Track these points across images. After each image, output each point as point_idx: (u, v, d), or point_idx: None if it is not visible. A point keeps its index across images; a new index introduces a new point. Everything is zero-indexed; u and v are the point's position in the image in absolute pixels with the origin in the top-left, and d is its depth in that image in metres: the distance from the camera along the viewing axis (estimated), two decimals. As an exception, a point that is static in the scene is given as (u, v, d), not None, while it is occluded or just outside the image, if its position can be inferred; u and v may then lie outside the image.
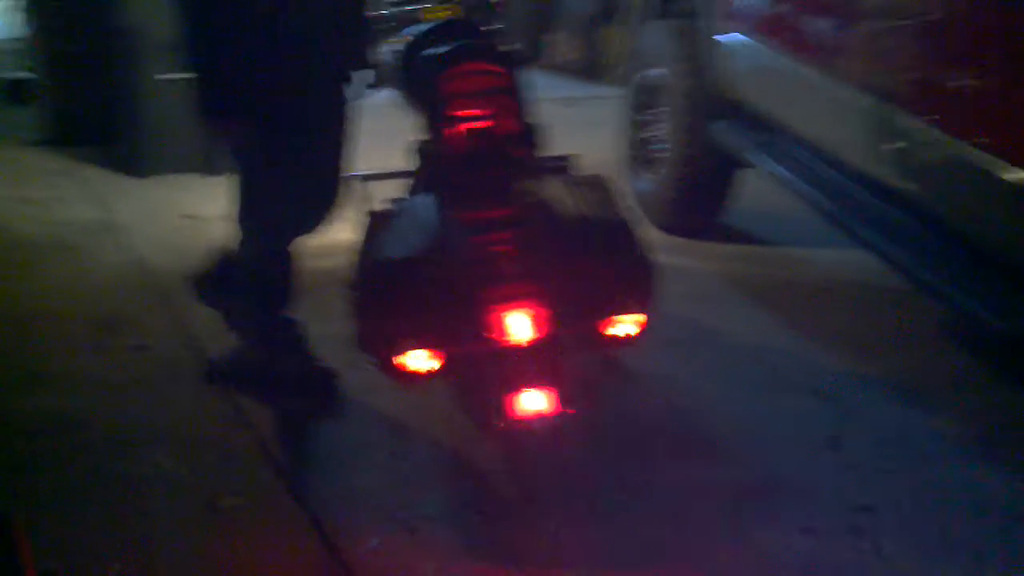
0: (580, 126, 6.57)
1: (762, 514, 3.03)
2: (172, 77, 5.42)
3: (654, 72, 5.34)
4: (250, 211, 3.48)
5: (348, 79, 3.50)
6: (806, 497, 3.12)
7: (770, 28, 4.66)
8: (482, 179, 2.99)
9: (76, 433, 3.33)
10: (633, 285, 3.09)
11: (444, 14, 3.53)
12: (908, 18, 3.65)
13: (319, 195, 3.53)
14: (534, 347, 2.85)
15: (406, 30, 3.50)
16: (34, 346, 3.90)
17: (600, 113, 6.88)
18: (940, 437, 3.46)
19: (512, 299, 2.86)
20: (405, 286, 2.97)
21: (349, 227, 3.39)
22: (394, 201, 3.46)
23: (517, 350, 2.85)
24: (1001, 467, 3.28)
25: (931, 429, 3.51)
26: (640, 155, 5.47)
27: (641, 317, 3.06)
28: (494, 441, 3.03)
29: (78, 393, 3.57)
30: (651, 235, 4.57)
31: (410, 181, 3.55)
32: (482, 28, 3.48)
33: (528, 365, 2.85)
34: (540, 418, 2.82)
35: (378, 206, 3.36)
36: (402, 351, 2.92)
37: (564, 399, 2.84)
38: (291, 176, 3.39)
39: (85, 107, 6.19)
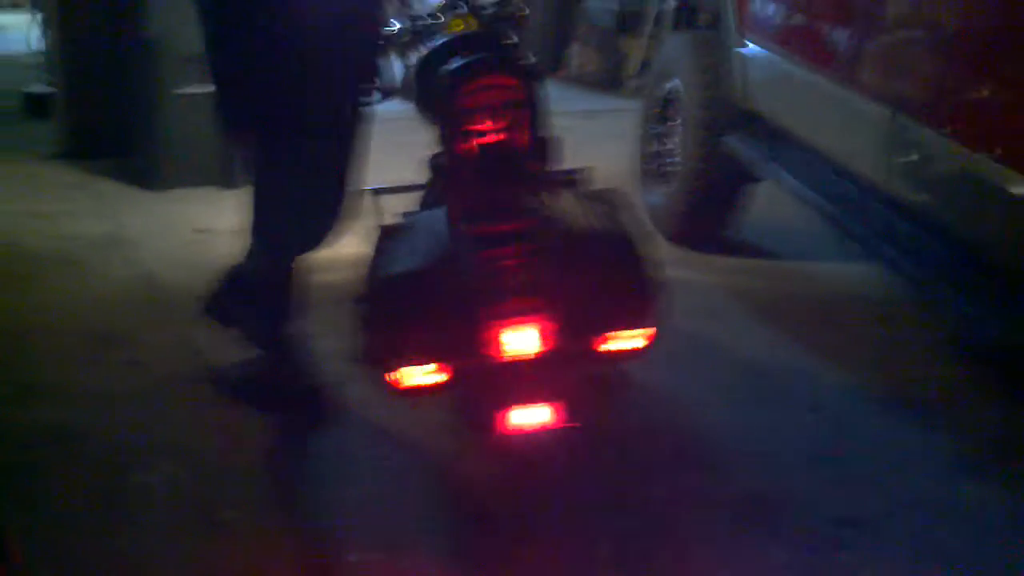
0: (598, 139, 6.58)
1: (754, 526, 3.03)
2: (190, 91, 5.44)
3: (669, 84, 5.33)
4: (264, 223, 3.48)
5: (362, 95, 3.51)
6: (794, 509, 3.13)
7: (785, 39, 4.64)
8: (493, 193, 2.98)
9: (73, 445, 3.34)
10: (639, 299, 3.07)
11: (461, 27, 3.51)
12: (923, 30, 3.62)
13: (329, 209, 3.52)
14: (539, 361, 2.83)
15: (426, 44, 3.49)
16: (31, 359, 3.90)
17: (619, 126, 6.87)
18: (933, 451, 3.46)
19: (518, 313, 2.84)
20: (411, 300, 2.95)
21: (357, 241, 3.39)
22: (404, 215, 3.45)
23: (520, 364, 2.82)
24: (993, 481, 3.29)
25: (924, 443, 3.51)
26: (654, 168, 5.45)
27: (647, 331, 3.04)
28: (495, 455, 3.01)
29: (74, 406, 3.58)
30: (661, 248, 4.56)
31: (422, 195, 3.54)
32: (500, 41, 3.47)
33: (532, 379, 2.84)
34: (543, 432, 2.81)
35: (388, 220, 3.35)
36: (407, 365, 2.90)
37: (568, 413, 2.82)
38: (305, 188, 3.39)
39: (103, 120, 6.21)
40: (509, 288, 2.86)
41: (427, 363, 2.90)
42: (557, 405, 2.81)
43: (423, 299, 2.94)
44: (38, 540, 2.88)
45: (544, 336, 2.84)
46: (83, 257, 4.85)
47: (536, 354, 2.83)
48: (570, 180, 3.47)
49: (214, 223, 5.20)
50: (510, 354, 2.83)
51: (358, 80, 3.48)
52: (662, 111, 5.43)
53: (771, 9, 4.76)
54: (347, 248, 4.06)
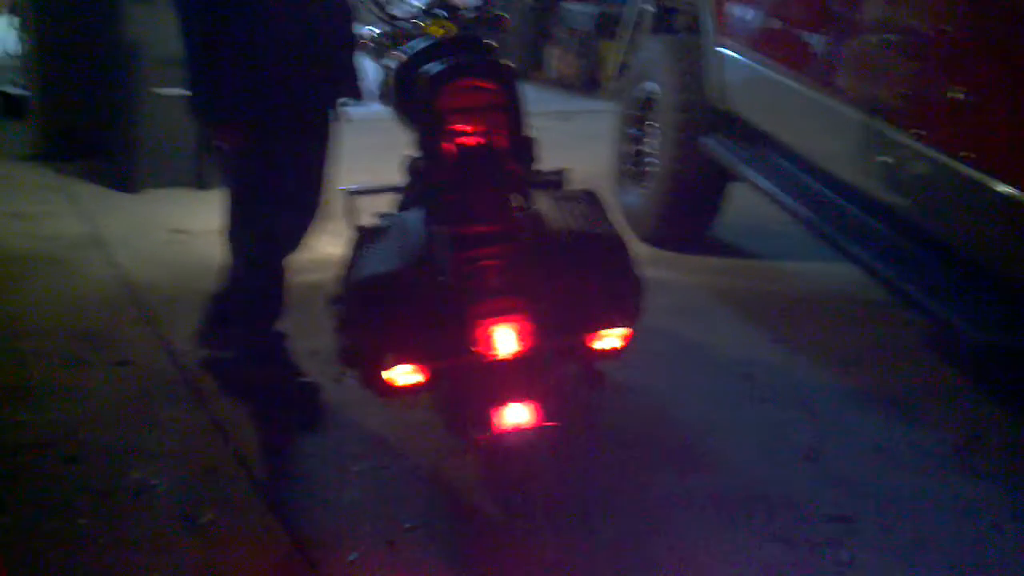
0: (575, 140, 6.61)
1: (743, 525, 3.03)
2: (165, 92, 5.43)
3: (647, 86, 5.36)
4: (242, 224, 3.49)
5: (337, 95, 3.52)
6: (786, 508, 3.13)
7: (762, 42, 4.68)
8: (472, 194, 2.98)
9: (57, 447, 3.32)
10: (618, 299, 3.08)
11: (441, 31, 3.51)
12: (896, 33, 3.65)
13: (304, 209, 3.54)
14: (518, 361, 2.84)
15: (405, 47, 3.49)
16: (13, 360, 3.88)
17: (595, 127, 6.90)
18: (918, 447, 3.48)
19: (496, 313, 2.85)
20: (390, 301, 2.96)
21: (336, 242, 3.39)
22: (382, 216, 3.45)
23: (502, 364, 2.84)
24: (979, 476, 3.31)
25: (910, 439, 3.52)
26: (631, 169, 5.48)
27: (626, 331, 3.05)
28: (477, 454, 3.02)
29: (58, 408, 3.55)
30: (639, 249, 4.57)
31: (400, 196, 3.54)
32: (479, 44, 3.47)
33: (512, 378, 2.84)
34: (523, 431, 2.81)
35: (366, 221, 3.36)
36: (387, 365, 2.91)
37: (548, 412, 2.83)
38: (282, 188, 3.40)
39: (78, 123, 6.19)
40: (488, 288, 2.87)
41: (406, 364, 2.90)
42: (536, 404, 2.82)
43: (401, 300, 2.95)
44: (21, 544, 2.87)
45: (523, 336, 2.85)
46: (63, 258, 4.83)
47: (515, 354, 2.84)
48: (548, 181, 3.48)
49: (190, 224, 5.20)
50: (489, 354, 2.83)
51: (334, 81, 3.49)
52: (639, 113, 5.46)
53: (748, 13, 4.79)
54: (325, 249, 4.06)
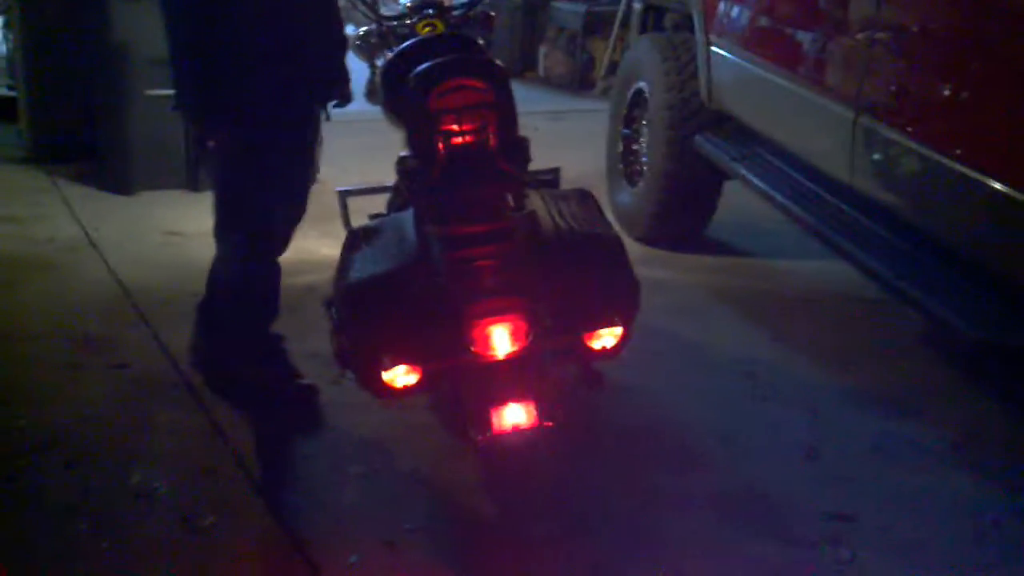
0: (566, 140, 6.61)
1: (742, 524, 3.04)
2: (156, 93, 5.42)
3: (637, 85, 5.37)
4: (231, 224, 3.48)
5: (328, 97, 3.52)
6: (785, 506, 3.14)
7: (753, 41, 4.69)
8: (466, 194, 2.98)
9: (55, 450, 3.32)
10: (614, 298, 3.09)
11: (430, 30, 3.51)
12: (886, 31, 3.67)
13: (293, 205, 3.54)
14: (515, 360, 2.85)
15: (394, 47, 3.49)
16: (10, 365, 3.87)
17: (586, 126, 6.91)
18: (917, 445, 3.48)
19: (492, 313, 2.85)
20: (385, 301, 2.96)
21: (331, 243, 3.39)
22: (375, 217, 3.45)
23: (498, 364, 2.84)
24: (977, 474, 3.31)
25: (909, 437, 3.53)
26: (624, 168, 5.49)
27: (622, 330, 3.05)
28: (476, 455, 3.03)
29: (55, 411, 3.55)
30: (632, 248, 4.57)
31: (392, 196, 3.55)
32: (470, 43, 3.47)
33: (509, 378, 2.85)
34: (522, 431, 2.82)
35: (359, 222, 3.36)
36: (383, 367, 2.91)
37: (544, 412, 2.83)
38: (269, 187, 3.40)
39: (69, 124, 6.18)
40: (484, 288, 2.86)
41: (403, 365, 2.91)
42: (534, 404, 2.82)
43: (397, 301, 2.95)
44: (21, 548, 2.87)
45: (519, 336, 2.85)
46: (57, 261, 4.82)
47: (512, 354, 2.84)
48: (543, 180, 3.49)
49: (184, 226, 5.19)
50: (486, 354, 2.84)
51: (327, 81, 3.49)
52: (630, 112, 5.47)
53: (738, 12, 4.80)
54: (320, 250, 4.07)
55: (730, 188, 5.08)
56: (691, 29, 5.10)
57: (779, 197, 4.30)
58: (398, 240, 3.09)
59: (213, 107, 3.31)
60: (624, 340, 3.07)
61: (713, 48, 4.87)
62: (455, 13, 3.59)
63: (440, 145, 2.98)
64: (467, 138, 2.99)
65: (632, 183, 5.40)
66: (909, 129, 3.53)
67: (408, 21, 3.55)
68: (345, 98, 3.56)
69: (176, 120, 4.55)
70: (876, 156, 3.73)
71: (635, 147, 5.42)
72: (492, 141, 3.00)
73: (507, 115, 3.06)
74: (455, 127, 2.98)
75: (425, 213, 3.04)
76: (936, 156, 3.38)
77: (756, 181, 4.48)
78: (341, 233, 3.34)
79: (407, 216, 3.15)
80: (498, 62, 3.30)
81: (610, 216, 3.80)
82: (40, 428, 3.44)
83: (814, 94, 4.12)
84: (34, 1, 6.18)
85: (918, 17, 3.58)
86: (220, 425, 3.46)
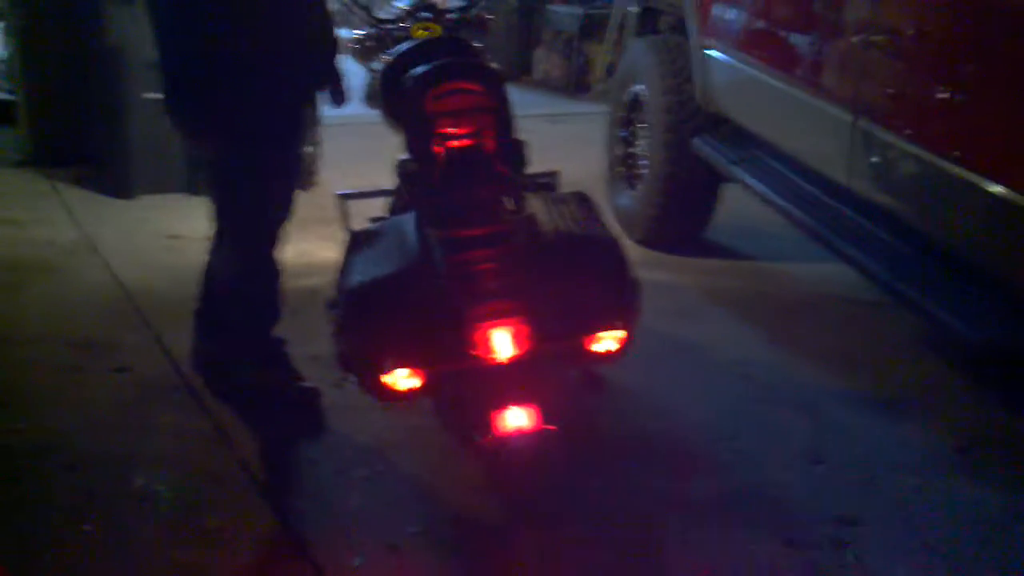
0: (564, 143, 6.62)
1: (744, 527, 3.04)
2: (155, 96, 5.42)
3: (635, 88, 5.38)
4: (229, 227, 3.48)
5: (313, 95, 3.53)
6: (787, 509, 3.14)
7: (750, 43, 4.70)
8: (464, 197, 3.00)
9: (58, 454, 3.32)
10: (615, 301, 3.10)
11: (426, 33, 3.52)
12: (884, 33, 3.68)
13: (277, 205, 3.55)
14: (516, 364, 2.86)
15: (391, 50, 3.50)
16: (11, 368, 3.88)
17: (584, 129, 6.91)
18: (918, 447, 3.49)
19: (493, 316, 2.86)
20: (386, 305, 2.97)
21: (331, 246, 3.39)
22: (375, 220, 3.47)
23: (499, 367, 2.85)
24: (978, 477, 3.32)
25: (909, 440, 3.54)
26: (623, 171, 5.50)
27: (623, 333, 3.07)
28: (477, 458, 3.04)
29: (57, 415, 3.56)
30: (632, 251, 4.57)
31: (392, 200, 3.56)
32: (467, 46, 3.49)
33: (510, 382, 2.86)
34: (523, 435, 2.83)
35: (359, 225, 3.37)
36: (385, 370, 2.93)
37: (546, 416, 2.84)
38: (259, 188, 3.41)
39: (68, 128, 6.18)
40: (482, 292, 2.88)
41: (404, 368, 2.92)
42: (535, 408, 2.84)
43: (397, 304, 2.96)
44: (24, 551, 2.87)
45: (520, 339, 2.86)
46: (57, 265, 4.82)
47: (513, 357, 2.86)
48: (541, 183, 3.50)
49: (184, 229, 5.19)
50: (487, 357, 2.85)
51: (312, 76, 3.49)
52: (628, 115, 5.48)
53: (732, 14, 4.82)
54: (321, 253, 4.08)
55: (730, 191, 5.09)
56: (686, 31, 5.11)
57: (777, 200, 4.31)
58: (399, 243, 3.10)
59: (194, 115, 3.32)
60: (625, 343, 3.08)
61: (707, 51, 4.89)
62: (451, 16, 3.60)
63: (438, 148, 3.00)
64: (464, 141, 3.01)
65: (631, 186, 5.41)
66: (907, 131, 3.54)
67: (404, 24, 3.56)
68: (338, 97, 3.54)
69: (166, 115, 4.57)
70: (873, 158, 3.74)
71: (633, 150, 5.43)
72: (489, 144, 3.02)
73: (504, 118, 3.08)
74: (452, 130, 3.00)
75: (425, 216, 3.06)
76: (934, 158, 3.39)
77: (754, 184, 4.50)
78: (341, 236, 3.35)
79: (407, 219, 3.16)
80: (494, 65, 3.32)
81: (610, 219, 3.82)
82: (41, 432, 3.45)
83: (810, 96, 4.13)
84: (32, 5, 6.19)
85: (915, 19, 3.59)
86: (223, 429, 3.46)
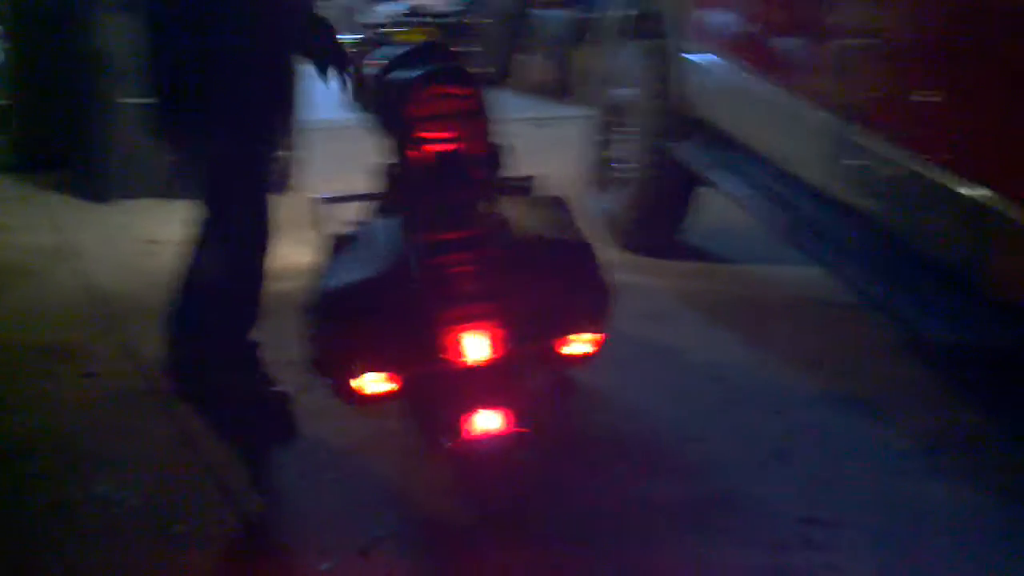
0: (549, 146, 6.62)
1: (716, 528, 3.04)
2: (136, 102, 5.41)
3: (619, 92, 5.38)
4: (214, 230, 3.47)
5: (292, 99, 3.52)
6: (758, 510, 3.15)
7: (730, 47, 4.71)
8: (444, 201, 3.00)
9: (25, 458, 3.31)
10: (588, 304, 3.10)
11: (417, 37, 3.52)
12: (864, 36, 3.68)
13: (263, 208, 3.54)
14: (488, 367, 2.85)
15: (378, 53, 3.50)
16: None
17: (568, 133, 6.92)
18: (890, 448, 3.50)
19: (465, 320, 2.86)
20: (357, 308, 2.97)
21: (308, 250, 3.39)
22: (352, 224, 3.46)
23: (472, 370, 2.85)
24: (950, 477, 3.32)
25: (881, 440, 3.54)
26: (604, 175, 5.50)
27: (597, 336, 3.07)
28: (447, 462, 3.02)
29: (24, 420, 3.54)
30: (611, 254, 4.58)
31: (373, 204, 3.55)
32: (454, 51, 3.49)
33: (482, 385, 2.85)
34: (493, 438, 2.82)
35: (339, 229, 3.36)
36: (356, 374, 2.92)
37: (518, 419, 2.84)
38: (252, 188, 3.39)
39: (49, 132, 6.18)
40: (460, 295, 2.88)
41: (374, 372, 2.91)
42: (506, 411, 2.83)
43: (370, 308, 2.96)
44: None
45: (492, 342, 2.86)
46: (34, 269, 4.82)
47: (485, 360, 2.85)
48: (521, 187, 3.50)
49: (162, 234, 5.19)
50: (459, 361, 2.84)
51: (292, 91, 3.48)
52: (612, 119, 5.48)
53: (714, 19, 4.82)
54: (297, 257, 4.06)
55: (707, 194, 5.09)
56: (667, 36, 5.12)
57: (754, 203, 4.32)
58: (373, 247, 3.10)
59: (188, 118, 3.31)
60: (598, 346, 3.08)
61: (687, 55, 4.89)
62: (439, 22, 3.60)
63: (416, 152, 3.00)
64: (443, 145, 3.01)
65: (610, 189, 5.41)
66: (882, 134, 3.55)
67: (391, 29, 3.56)
68: (339, 61, 3.47)
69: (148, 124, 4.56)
70: (851, 162, 3.74)
71: (613, 154, 5.43)
72: (467, 148, 3.02)
73: (482, 123, 3.08)
74: (431, 134, 3.00)
75: (401, 220, 3.05)
76: (910, 161, 3.39)
77: (731, 188, 4.50)
78: (317, 240, 3.34)
79: (383, 223, 3.16)
80: (475, 70, 3.32)
81: (588, 222, 3.82)
82: (6, 436, 3.43)
83: (786, 100, 4.14)
84: (23, 11, 6.19)
85: (894, 22, 3.59)
86: (191, 433, 3.44)
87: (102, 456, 3.33)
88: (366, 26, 3.58)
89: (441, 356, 2.86)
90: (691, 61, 4.88)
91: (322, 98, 3.80)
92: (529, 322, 2.98)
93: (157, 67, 3.30)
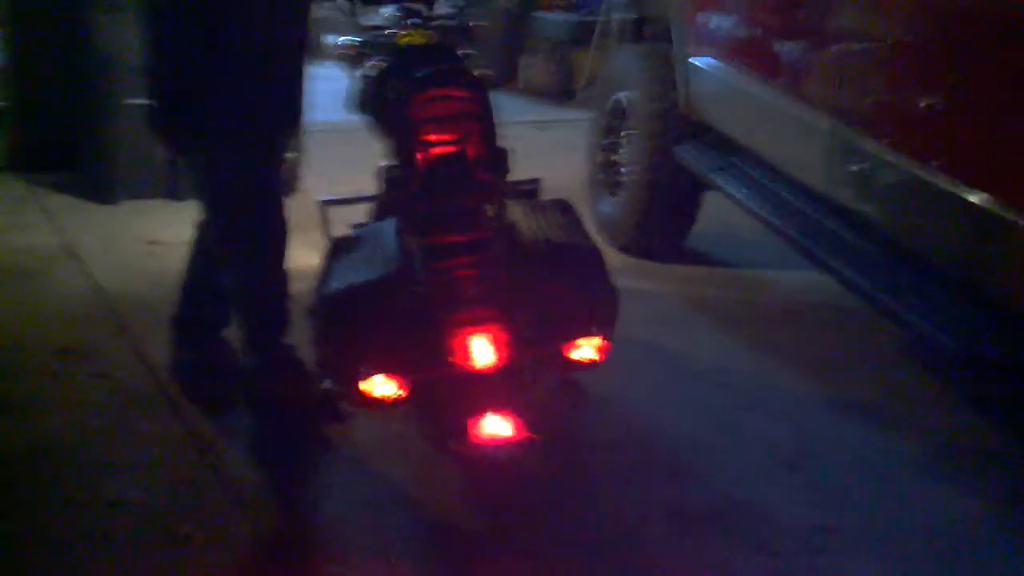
0: (550, 149, 6.62)
1: (723, 536, 3.04)
2: (139, 102, 5.40)
3: (620, 95, 5.38)
4: (227, 234, 3.46)
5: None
6: (766, 518, 3.14)
7: (734, 51, 4.71)
8: (447, 204, 3.00)
9: (38, 460, 3.31)
10: (595, 308, 3.10)
11: (419, 39, 3.52)
12: (869, 41, 3.69)
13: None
14: (496, 371, 2.86)
15: (379, 55, 3.50)
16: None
17: (570, 136, 6.91)
18: (897, 455, 3.49)
19: (472, 323, 2.86)
20: (364, 311, 2.97)
21: (312, 252, 3.39)
22: (356, 226, 3.46)
23: (478, 374, 2.85)
24: (957, 485, 3.32)
25: (888, 448, 3.54)
26: (606, 178, 5.50)
27: (602, 341, 3.07)
28: (455, 466, 3.03)
29: (33, 422, 3.54)
30: (613, 258, 4.57)
31: (374, 206, 3.55)
32: (455, 53, 3.49)
33: (489, 389, 2.86)
34: (501, 443, 2.82)
35: (341, 231, 3.36)
36: (363, 377, 2.92)
37: (525, 424, 2.84)
38: (243, 199, 3.39)
39: (50, 133, 6.16)
40: (463, 298, 2.88)
41: (381, 375, 2.91)
42: (513, 416, 2.83)
43: (376, 311, 2.96)
44: (3, 556, 2.86)
45: (499, 346, 2.86)
46: (39, 270, 4.80)
47: (492, 364, 2.85)
48: (522, 191, 3.50)
49: (166, 235, 5.18)
50: (466, 365, 2.85)
51: (296, 91, 3.47)
52: (613, 122, 5.48)
53: (716, 22, 4.82)
54: (303, 259, 4.06)
55: (712, 198, 5.09)
56: (671, 39, 5.12)
57: (758, 208, 4.32)
58: (379, 250, 3.10)
59: (188, 121, 3.31)
60: (604, 351, 3.08)
61: (691, 59, 4.89)
62: (437, 23, 3.60)
63: (420, 155, 3.00)
64: (447, 148, 3.01)
65: (613, 193, 5.41)
66: (887, 140, 3.55)
67: (393, 31, 3.56)
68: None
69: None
70: (853, 167, 3.75)
71: (616, 157, 5.43)
72: (471, 151, 3.02)
73: (486, 125, 3.08)
74: (435, 137, 3.00)
75: (405, 222, 3.05)
76: (913, 167, 3.40)
77: (735, 192, 4.50)
78: (323, 243, 3.34)
79: (388, 225, 3.16)
80: (478, 72, 3.32)
81: (592, 226, 3.81)
82: (15, 437, 3.43)
83: (790, 104, 4.14)
84: (23, 12, 6.18)
85: (895, 27, 3.60)
86: (198, 435, 3.45)
87: (110, 457, 3.33)
88: (367, 28, 3.56)
89: (447, 359, 2.86)
90: (694, 65, 4.88)
91: (322, 99, 3.79)
92: (536, 326, 2.98)
93: (159, 68, 3.30)
